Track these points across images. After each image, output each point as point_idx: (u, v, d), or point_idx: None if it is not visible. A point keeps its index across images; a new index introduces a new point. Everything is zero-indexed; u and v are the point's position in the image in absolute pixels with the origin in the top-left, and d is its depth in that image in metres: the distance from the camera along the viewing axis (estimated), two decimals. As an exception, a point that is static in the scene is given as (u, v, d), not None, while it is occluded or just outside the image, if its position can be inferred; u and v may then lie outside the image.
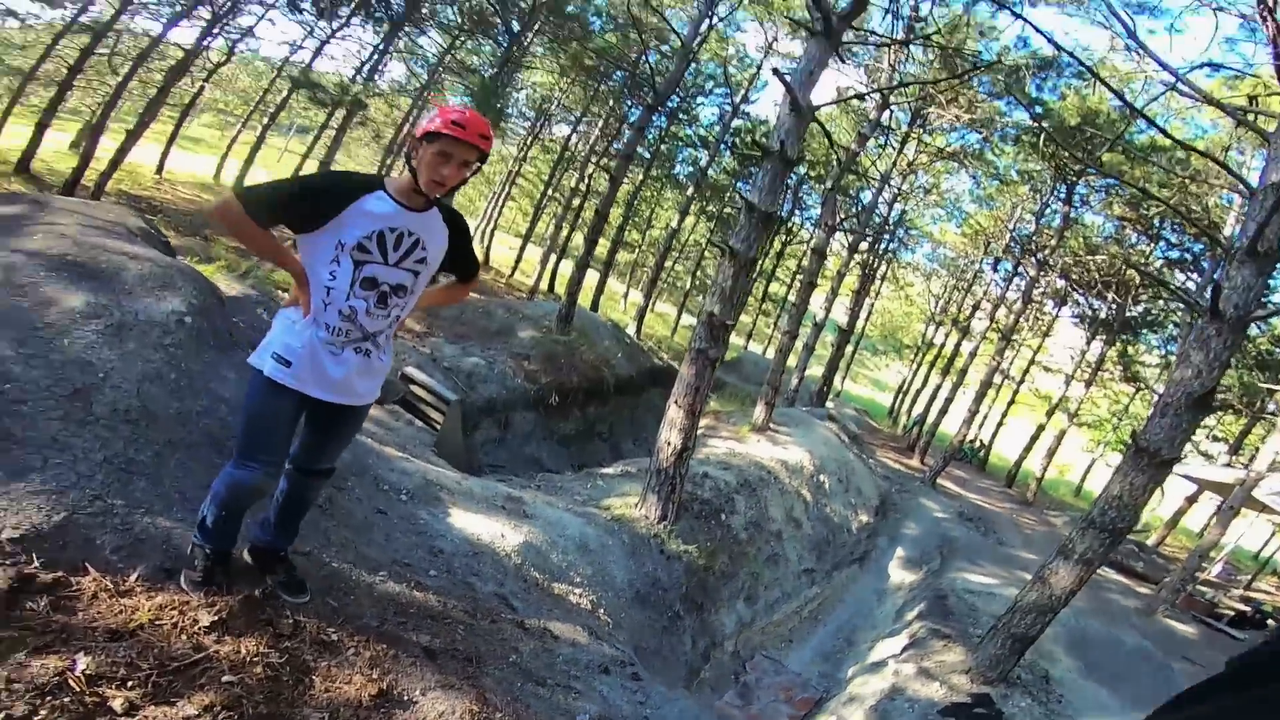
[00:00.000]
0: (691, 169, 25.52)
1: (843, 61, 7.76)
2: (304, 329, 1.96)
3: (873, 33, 8.08)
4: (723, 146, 20.90)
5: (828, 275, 20.87)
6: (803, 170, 20.93)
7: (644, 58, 14.24)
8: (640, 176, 23.47)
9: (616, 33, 18.58)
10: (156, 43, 14.67)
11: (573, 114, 25.00)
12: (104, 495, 2.28)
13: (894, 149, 15.73)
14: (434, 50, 20.03)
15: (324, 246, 1.91)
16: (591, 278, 29.01)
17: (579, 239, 21.70)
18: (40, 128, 13.27)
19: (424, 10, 17.66)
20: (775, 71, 6.51)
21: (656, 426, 6.78)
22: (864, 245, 19.49)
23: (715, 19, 12.66)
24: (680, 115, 22.24)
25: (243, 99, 25.39)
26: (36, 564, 1.87)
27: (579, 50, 18.53)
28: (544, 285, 23.76)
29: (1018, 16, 5.74)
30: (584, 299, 24.29)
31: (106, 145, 14.66)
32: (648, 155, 23.12)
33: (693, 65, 20.49)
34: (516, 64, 17.97)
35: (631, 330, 20.57)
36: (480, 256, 25.94)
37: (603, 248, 35.89)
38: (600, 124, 23.68)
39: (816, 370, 20.91)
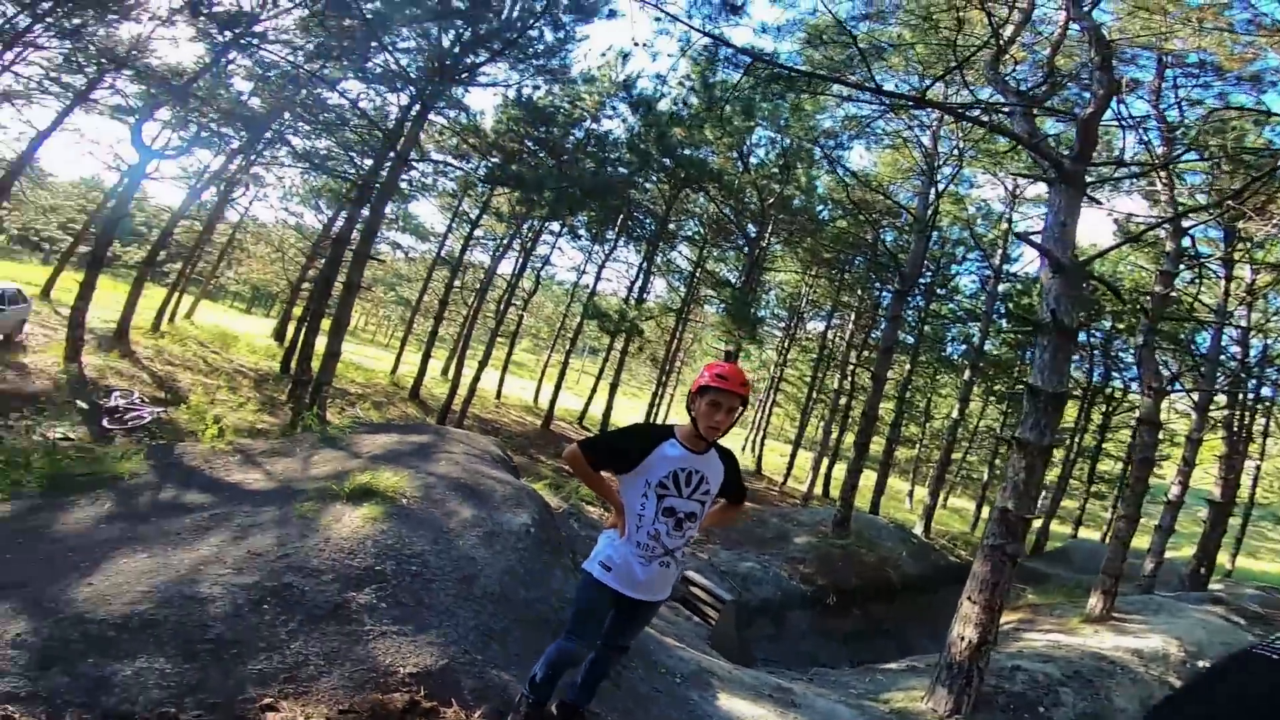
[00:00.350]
0: (964, 347, 24.06)
1: (1096, 203, 7.32)
2: (622, 545, 2.65)
3: (1120, 163, 7.49)
4: (994, 316, 19.57)
5: (1177, 443, 16.62)
6: (1106, 325, 18.24)
7: (879, 238, 14.84)
8: (907, 365, 22.88)
9: (846, 218, 19.13)
10: (490, 276, 20.28)
11: (823, 309, 26.19)
12: (471, 651, 3.14)
13: (1216, 276, 13.00)
14: (686, 264, 23.15)
15: (636, 485, 2.61)
16: (869, 477, 27.59)
17: (850, 439, 21.29)
18: (425, 358, 18.93)
19: (671, 226, 21.00)
20: (1019, 235, 6.49)
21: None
22: (1220, 398, 15.41)
23: (940, 185, 12.83)
24: (938, 290, 21.80)
25: (549, 324, 32.51)
26: (422, 694, 2.69)
27: (814, 244, 19.73)
28: (818, 489, 23.27)
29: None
30: (862, 500, 22.94)
31: (465, 370, 19.82)
32: (911, 340, 22.69)
33: (935, 234, 20.44)
34: (761, 267, 19.64)
35: (919, 529, 18.57)
36: (751, 465, 27.06)
37: (878, 445, 34.12)
38: (853, 316, 24.33)
39: (1186, 551, 16.10)
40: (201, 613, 2.93)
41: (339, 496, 4.10)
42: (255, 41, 12.03)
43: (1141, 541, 15.80)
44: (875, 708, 5.69)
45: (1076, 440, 25.22)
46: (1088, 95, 6.84)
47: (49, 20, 12.73)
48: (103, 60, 12.78)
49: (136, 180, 12.10)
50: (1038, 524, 25.85)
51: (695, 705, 4.48)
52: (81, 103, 14.64)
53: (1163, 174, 8.30)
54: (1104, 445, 24.51)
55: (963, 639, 5.74)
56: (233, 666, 2.70)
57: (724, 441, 2.71)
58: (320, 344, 12.90)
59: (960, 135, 12.64)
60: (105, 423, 10.39)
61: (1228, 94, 8.75)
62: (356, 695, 2.73)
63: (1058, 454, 29.95)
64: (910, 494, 30.31)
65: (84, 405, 10.92)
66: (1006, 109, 6.58)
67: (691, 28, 6.26)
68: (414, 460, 5.07)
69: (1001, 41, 6.78)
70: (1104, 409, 23.79)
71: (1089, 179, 6.27)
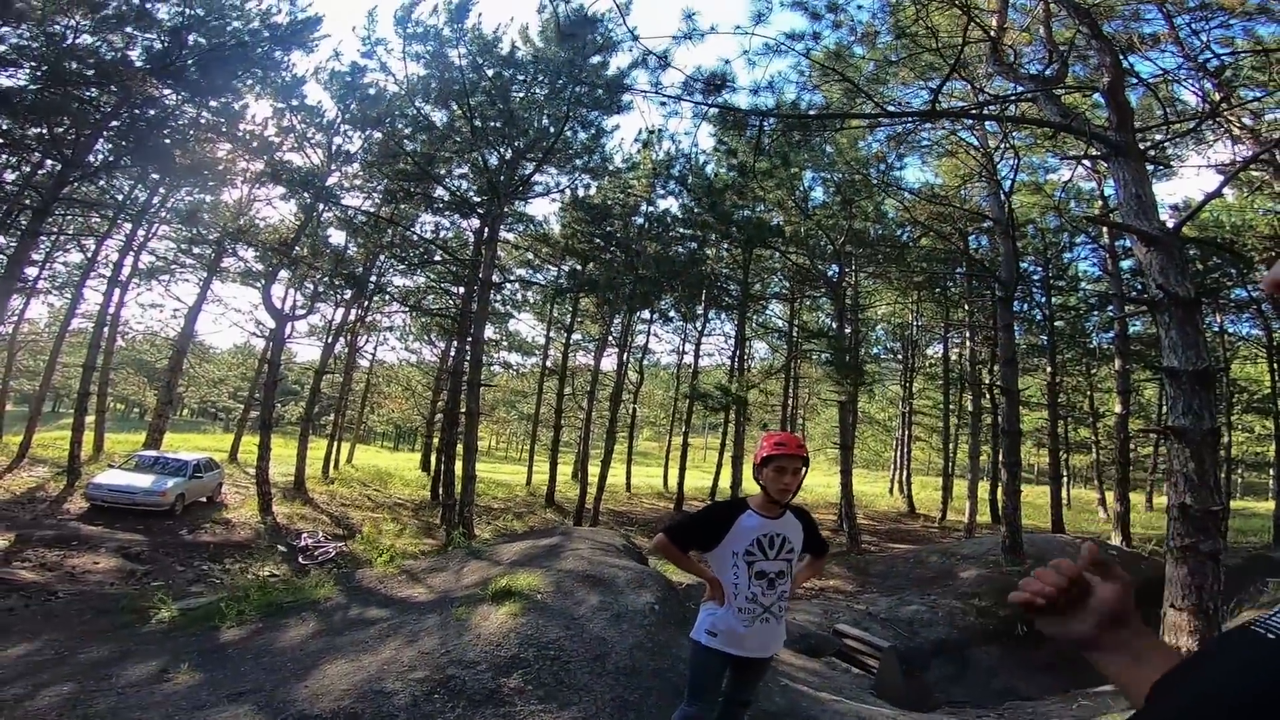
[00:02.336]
0: (1109, 333, 21.65)
1: (1168, 166, 6.76)
2: (723, 612, 2.91)
3: (1168, 121, 6.91)
4: (1128, 311, 17.61)
5: None
6: (1263, 271, 15.75)
7: (967, 247, 14.08)
8: (1049, 367, 20.90)
9: (928, 236, 18.12)
10: (596, 376, 21.18)
11: (936, 332, 24.83)
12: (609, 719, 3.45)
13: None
14: (782, 322, 23.02)
15: (724, 557, 2.89)
16: (1042, 494, 24.67)
17: (1000, 459, 19.47)
18: (553, 465, 19.83)
19: (757, 288, 21.04)
20: (1092, 219, 6.27)
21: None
22: None
23: (1008, 181, 12.15)
24: (1056, 284, 20.08)
25: (664, 410, 32.95)
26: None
27: (900, 269, 19.04)
28: (983, 518, 21.22)
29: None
30: (1039, 519, 20.58)
31: (592, 469, 20.61)
32: (1044, 342, 20.82)
33: (1031, 227, 18.94)
34: (854, 307, 19.10)
35: (1117, 539, 16.31)
36: (903, 507, 25.29)
37: (1041, 458, 30.53)
38: (967, 332, 22.86)
39: None
40: (389, 705, 3.56)
41: (484, 599, 4.67)
42: (334, 194, 14.30)
43: None
44: None
45: (1283, 404, 21.35)
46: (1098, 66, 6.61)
47: (160, 192, 15.44)
48: (217, 229, 15.53)
49: (280, 342, 14.41)
50: (1269, 506, 21.65)
51: (854, 758, 4.40)
52: (216, 274, 17.71)
53: (1233, 117, 7.58)
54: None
55: (1179, 649, 5.18)
56: None
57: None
58: (458, 469, 14.25)
59: (1005, 126, 12.22)
60: (300, 559, 12.22)
61: (1252, 29, 8.01)
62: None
63: (1267, 424, 25.31)
64: (1102, 502, 26.65)
65: (282, 547, 12.91)
66: (1029, 97, 6.47)
67: (694, 101, 6.86)
68: (545, 561, 5.60)
69: (990, 31, 6.78)
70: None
71: (1146, 146, 5.96)
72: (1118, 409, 18.27)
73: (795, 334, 21.64)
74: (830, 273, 16.81)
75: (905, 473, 26.87)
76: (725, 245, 17.99)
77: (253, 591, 6.47)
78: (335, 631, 5.17)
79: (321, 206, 15.16)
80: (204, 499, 14.96)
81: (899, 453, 28.74)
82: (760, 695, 4.60)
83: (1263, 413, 24.40)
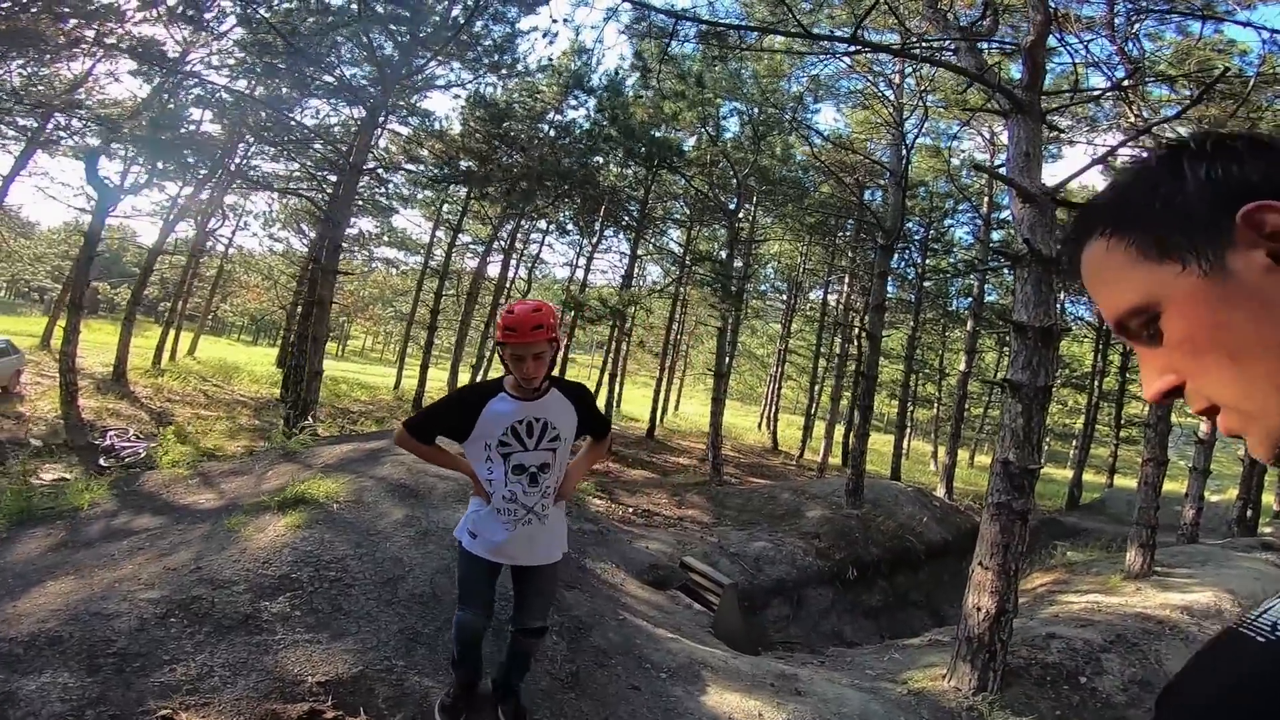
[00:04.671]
0: (969, 300, 23.49)
1: (1057, 131, 6.93)
2: (485, 513, 2.46)
3: (1076, 90, 7.09)
4: (992, 263, 19.02)
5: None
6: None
7: (866, 198, 14.35)
8: (911, 323, 22.39)
9: (829, 183, 18.57)
10: (477, 280, 20.22)
11: (821, 277, 25.73)
12: (391, 657, 2.95)
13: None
14: (678, 247, 22.79)
15: (478, 450, 2.42)
16: (887, 442, 27.04)
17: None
18: (424, 369, 18.88)
19: (659, 212, 20.70)
20: (977, 166, 6.23)
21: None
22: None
23: (910, 135, 12.44)
24: (933, 246, 21.24)
25: None
26: (329, 703, 2.50)
27: (798, 212, 19.25)
28: (834, 459, 22.87)
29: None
30: (882, 466, 22.53)
31: (462, 376, 19.86)
32: (912, 299, 22.16)
33: (924, 190, 19.84)
34: (749, 241, 19.33)
35: (941, 490, 18.12)
36: (768, 442, 26.71)
37: (891, 408, 33.38)
38: (847, 279, 23.88)
39: (1231, 494, 15.58)
40: (106, 628, 2.88)
41: (270, 508, 3.94)
42: (189, 74, 11.97)
43: (1179, 486, 15.20)
44: (891, 689, 5.27)
45: (1097, 384, 24.52)
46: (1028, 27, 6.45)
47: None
48: (44, 100, 12.82)
49: (101, 218, 12.03)
50: (1068, 475, 25.22)
51: (676, 702, 4.20)
52: (43, 146, 14.70)
53: (1133, 106, 7.89)
54: (1127, 387, 23.79)
55: (979, 609, 5.30)
56: (134, 679, 2.67)
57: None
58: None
59: (922, 83, 12.21)
60: (101, 461, 10.48)
61: (1186, 27, 8.34)
62: (260, 705, 2.58)
63: (1080, 400, 29.23)
64: (935, 455, 29.78)
65: (81, 446, 11.08)
66: (951, 46, 6.22)
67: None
68: (362, 466, 4.90)
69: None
70: (1121, 349, 23.07)
71: (1049, 108, 5.89)
72: (962, 366, 19.99)
73: (688, 259, 21.47)
74: (730, 204, 16.51)
75: (774, 409, 28.20)
76: (630, 163, 17.08)
77: (6, 497, 5.30)
78: (84, 544, 4.25)
79: (177, 82, 12.51)
80: (-4, 387, 12.59)
81: (771, 389, 30.11)
82: (595, 629, 4.30)
83: (1079, 388, 27.93)
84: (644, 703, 3.97)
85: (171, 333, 20.44)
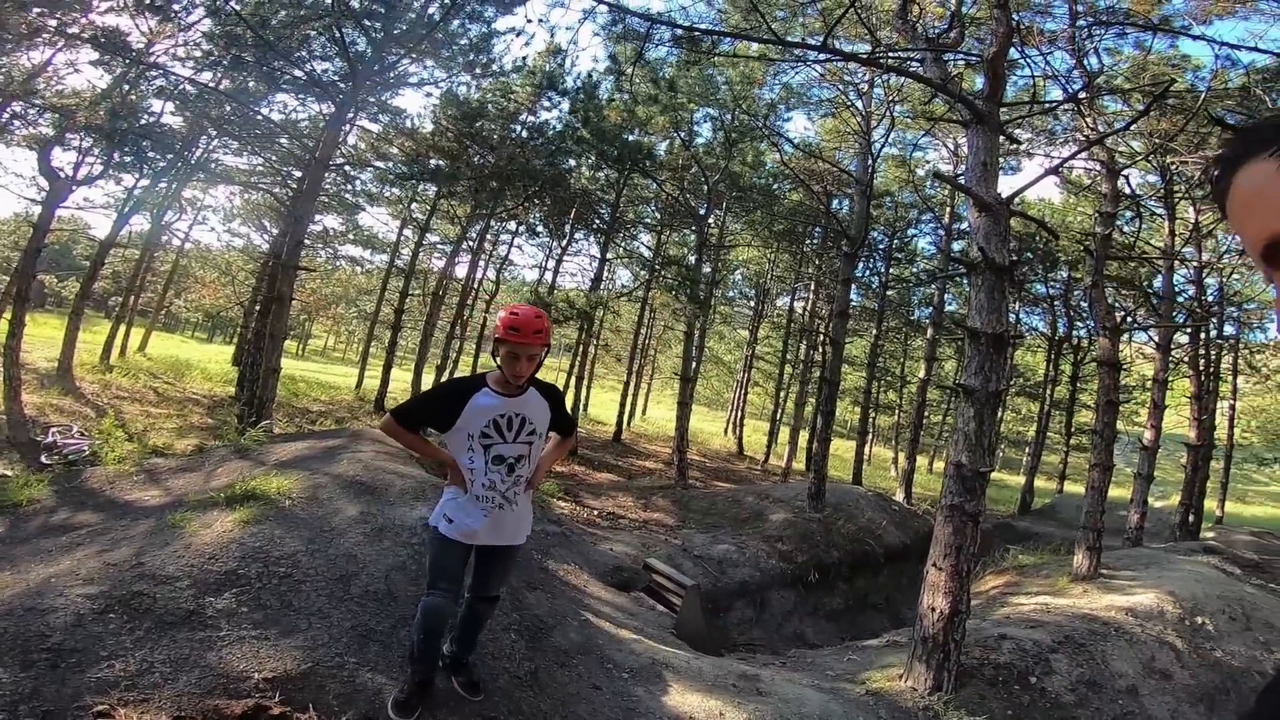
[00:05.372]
0: (929, 309, 24.13)
1: (1015, 143, 7.20)
2: (464, 499, 2.61)
3: (1035, 101, 7.40)
4: (951, 272, 19.59)
5: (1148, 388, 16.71)
6: (1064, 275, 18.30)
7: (834, 206, 14.64)
8: (874, 330, 22.88)
9: (798, 191, 18.95)
10: (444, 280, 19.93)
11: (788, 284, 26.10)
12: (343, 654, 2.88)
13: (1161, 218, 13.04)
14: (648, 251, 22.82)
15: (460, 440, 2.59)
16: (849, 447, 27.53)
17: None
18: (386, 369, 18.49)
19: (630, 215, 20.77)
20: (938, 175, 6.41)
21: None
22: (1182, 339, 15.48)
23: (877, 145, 12.79)
24: (897, 255, 21.76)
25: None
26: (276, 699, 2.43)
27: (763, 217, 19.47)
28: (798, 464, 23.18)
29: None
30: (844, 471, 22.91)
31: (427, 377, 19.47)
32: (876, 307, 22.65)
33: (889, 199, 20.37)
34: (718, 246, 19.45)
35: (900, 495, 18.52)
36: (733, 447, 26.92)
37: (853, 414, 34.00)
38: (813, 286, 24.30)
39: (1174, 499, 16.31)
40: (41, 623, 2.76)
41: (218, 504, 3.82)
42: (152, 65, 11.56)
43: (1125, 492, 15.82)
44: (850, 690, 5.40)
45: (1049, 393, 25.39)
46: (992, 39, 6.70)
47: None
48: None
49: (52, 209, 11.52)
50: (1021, 481, 26.02)
51: (637, 702, 4.21)
52: None
53: (1088, 118, 8.25)
54: (1078, 395, 24.69)
55: (934, 610, 5.46)
56: (70, 675, 2.57)
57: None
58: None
59: (890, 93, 12.52)
60: (43, 458, 10.02)
61: (1143, 42, 8.76)
62: (202, 702, 2.50)
63: (1032, 408, 30.21)
64: (895, 461, 30.38)
65: (23, 443, 10.57)
66: (918, 56, 6.41)
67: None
68: (317, 464, 4.78)
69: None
70: (1072, 359, 23.98)
71: (1009, 119, 6.12)
72: (921, 374, 20.49)
73: (657, 264, 21.59)
74: (701, 209, 16.63)
75: (740, 414, 28.46)
76: (602, 166, 17.09)
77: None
78: (21, 540, 4.08)
79: (139, 73, 12.06)
80: (-64, 383, 11.86)
81: (737, 395, 30.39)
82: (556, 629, 4.27)
83: (1032, 397, 28.84)
84: (605, 702, 3.96)
85: (122, 328, 19.60)
